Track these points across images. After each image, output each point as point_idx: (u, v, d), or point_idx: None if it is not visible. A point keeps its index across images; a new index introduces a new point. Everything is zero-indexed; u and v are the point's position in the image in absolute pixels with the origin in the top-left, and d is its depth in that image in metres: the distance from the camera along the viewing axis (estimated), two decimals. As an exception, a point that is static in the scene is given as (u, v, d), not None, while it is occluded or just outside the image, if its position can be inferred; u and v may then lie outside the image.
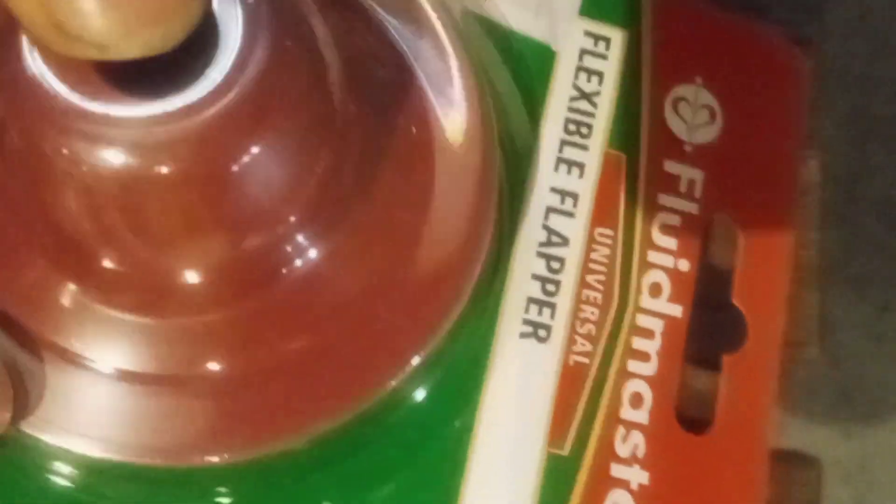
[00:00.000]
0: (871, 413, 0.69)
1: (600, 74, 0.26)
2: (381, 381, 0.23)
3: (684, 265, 0.26)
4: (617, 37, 0.26)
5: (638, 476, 0.25)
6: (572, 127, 0.26)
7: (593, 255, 0.26)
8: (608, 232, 0.26)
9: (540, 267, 0.26)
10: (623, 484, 0.25)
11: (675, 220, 0.26)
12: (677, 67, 0.26)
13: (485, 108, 0.25)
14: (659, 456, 0.25)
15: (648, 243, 0.26)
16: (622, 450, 0.25)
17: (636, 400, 0.25)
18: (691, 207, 0.26)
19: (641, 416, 0.25)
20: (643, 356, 0.26)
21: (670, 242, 0.26)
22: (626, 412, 0.25)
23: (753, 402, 0.26)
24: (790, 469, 0.29)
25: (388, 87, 0.25)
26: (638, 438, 0.25)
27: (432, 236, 0.24)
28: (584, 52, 0.26)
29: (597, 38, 0.26)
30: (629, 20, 0.26)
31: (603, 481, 0.25)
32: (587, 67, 0.26)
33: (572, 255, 0.26)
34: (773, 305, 0.27)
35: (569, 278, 0.26)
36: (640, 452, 0.25)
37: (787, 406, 0.67)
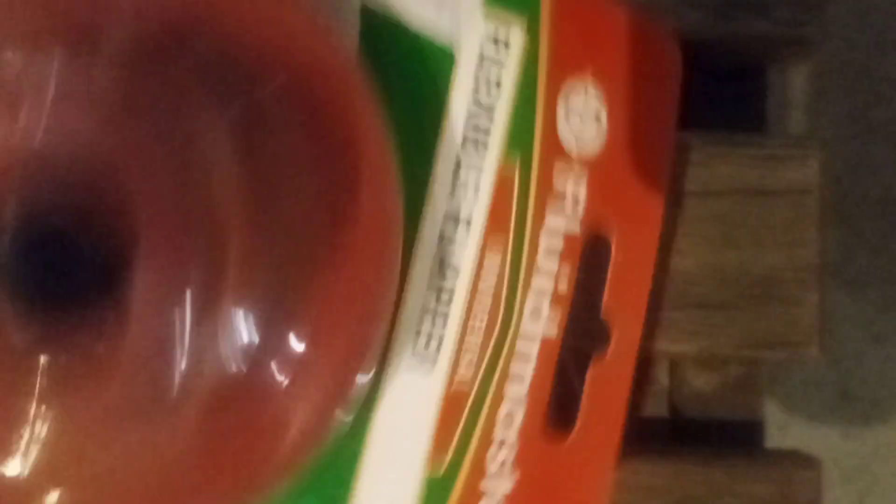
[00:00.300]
0: (871, 413, 0.69)
1: (499, 82, 0.26)
2: (291, 463, 0.23)
3: (563, 285, 0.26)
4: (517, 34, 0.25)
5: (504, 486, 0.26)
6: (470, 146, 0.26)
7: (481, 284, 0.26)
8: (497, 257, 0.26)
9: (430, 300, 0.26)
10: (490, 496, 0.26)
11: (560, 241, 0.26)
12: (571, 70, 0.26)
13: (390, 162, 0.24)
14: (524, 465, 0.26)
15: (532, 266, 0.26)
16: (492, 466, 0.26)
17: (509, 418, 0.26)
18: (576, 226, 0.26)
19: (512, 433, 0.26)
20: (519, 378, 0.26)
21: (552, 264, 0.26)
22: (499, 430, 0.26)
23: (609, 405, 0.27)
24: (790, 469, 0.29)
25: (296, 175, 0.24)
26: (507, 453, 0.26)
27: (338, 314, 0.24)
28: (483, 57, 0.26)
29: (497, 38, 0.25)
30: (529, 12, 0.26)
31: (472, 496, 0.26)
32: (486, 77, 0.26)
33: (461, 284, 0.26)
34: (633, 316, 0.27)
35: (457, 308, 0.26)
36: (508, 465, 0.26)
37: (787, 406, 0.67)
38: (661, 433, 0.30)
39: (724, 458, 0.28)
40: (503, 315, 0.26)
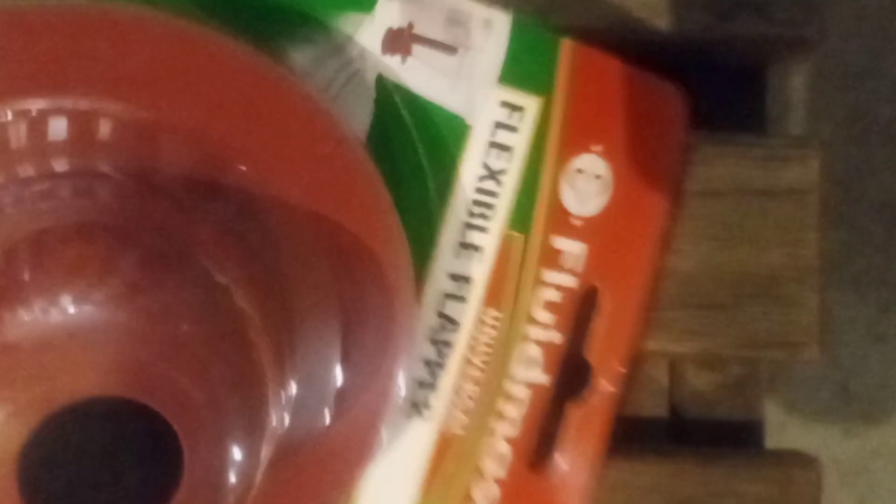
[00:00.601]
0: (871, 413, 0.69)
1: (510, 150, 0.27)
2: None
3: (557, 337, 0.27)
4: (531, 107, 0.27)
5: None
6: (477, 209, 0.27)
7: (480, 337, 0.27)
8: (497, 314, 0.27)
9: (430, 352, 0.27)
10: None
11: (556, 295, 0.27)
12: (580, 139, 0.27)
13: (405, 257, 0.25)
14: (510, 499, 0.27)
15: (530, 320, 0.27)
16: (481, 501, 0.27)
17: (498, 458, 0.27)
18: (572, 281, 0.27)
19: (500, 471, 0.27)
20: (511, 422, 0.27)
21: (549, 318, 0.27)
22: (488, 469, 0.27)
23: (588, 442, 0.27)
24: (790, 469, 0.29)
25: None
26: (494, 489, 0.27)
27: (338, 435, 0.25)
28: (498, 125, 0.27)
29: (512, 109, 0.27)
30: (544, 88, 0.27)
31: None
32: (498, 143, 0.27)
33: (460, 338, 0.27)
34: (616, 361, 0.27)
35: (454, 360, 0.27)
36: (495, 500, 0.27)
37: (787, 406, 0.67)
38: (661, 433, 0.30)
39: (723, 458, 0.28)
40: (498, 365, 0.27)
